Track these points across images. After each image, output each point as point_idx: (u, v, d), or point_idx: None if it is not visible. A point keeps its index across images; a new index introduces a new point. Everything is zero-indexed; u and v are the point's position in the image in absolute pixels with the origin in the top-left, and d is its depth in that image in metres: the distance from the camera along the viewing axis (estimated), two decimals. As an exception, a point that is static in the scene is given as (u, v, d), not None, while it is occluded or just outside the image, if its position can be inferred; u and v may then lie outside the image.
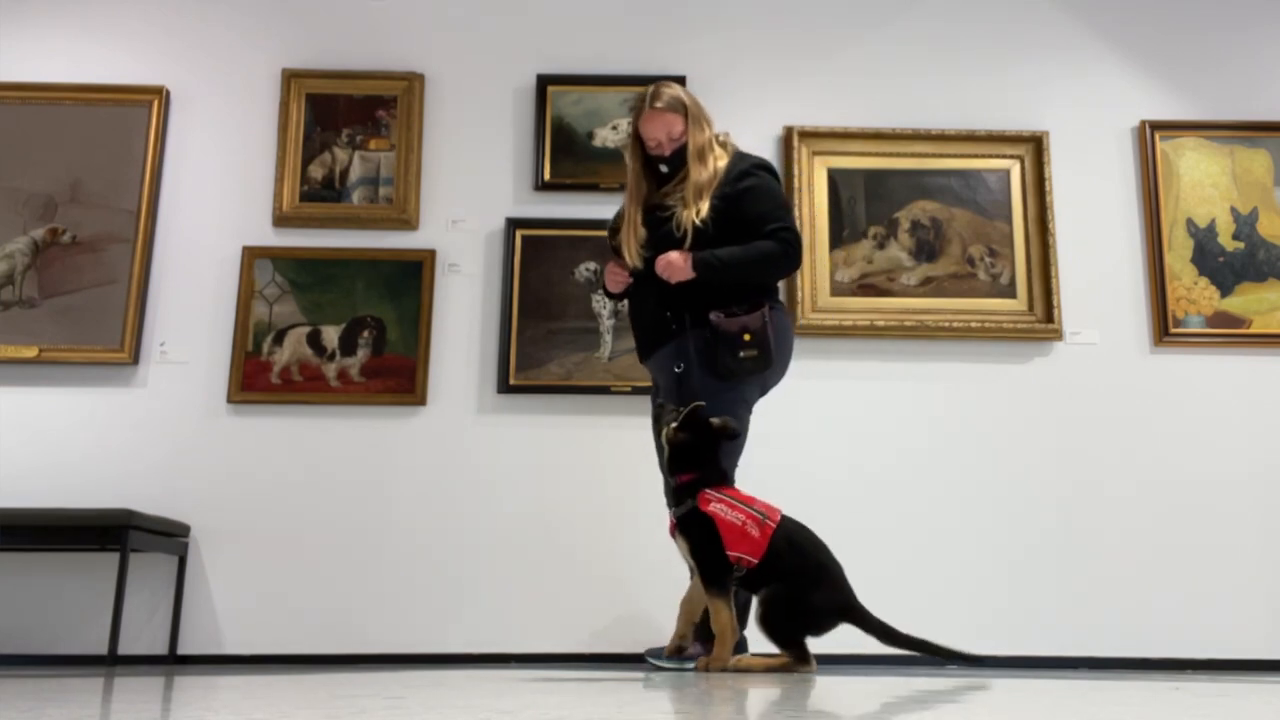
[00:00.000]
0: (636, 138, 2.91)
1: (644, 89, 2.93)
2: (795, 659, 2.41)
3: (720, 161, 2.86)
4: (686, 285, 2.76)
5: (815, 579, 2.44)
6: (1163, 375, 3.89)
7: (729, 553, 2.40)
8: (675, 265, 2.75)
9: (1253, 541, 3.75)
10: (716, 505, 2.44)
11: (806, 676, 2.26)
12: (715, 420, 2.54)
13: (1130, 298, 3.96)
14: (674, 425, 2.53)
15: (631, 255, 2.84)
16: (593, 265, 3.88)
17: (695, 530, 2.44)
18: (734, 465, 2.77)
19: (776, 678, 2.23)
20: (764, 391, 2.86)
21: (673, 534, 2.53)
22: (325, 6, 4.18)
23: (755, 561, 2.40)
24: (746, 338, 2.71)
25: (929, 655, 2.45)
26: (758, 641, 2.58)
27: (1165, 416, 3.85)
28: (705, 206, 2.77)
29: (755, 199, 2.80)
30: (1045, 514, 3.76)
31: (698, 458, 2.52)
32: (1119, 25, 4.19)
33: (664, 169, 2.89)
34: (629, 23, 4.17)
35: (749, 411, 2.82)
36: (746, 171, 2.83)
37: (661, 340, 2.83)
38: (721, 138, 2.92)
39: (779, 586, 2.41)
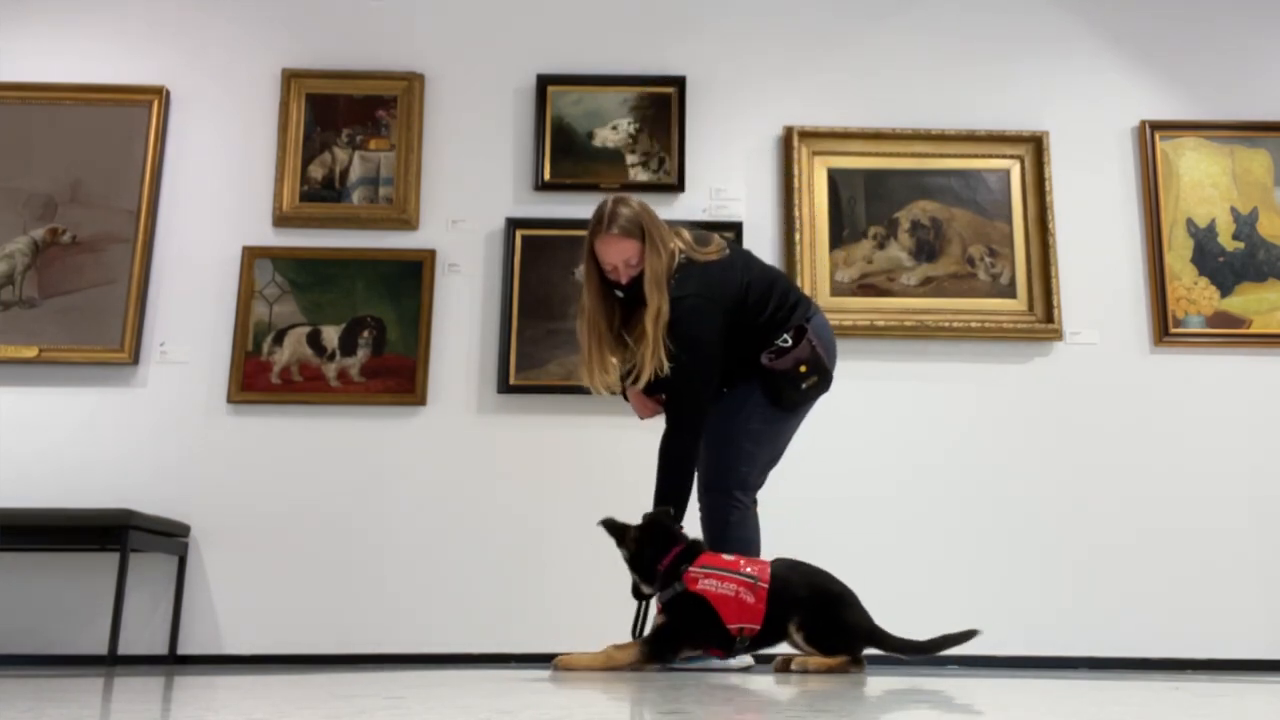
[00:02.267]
0: (592, 256, 2.72)
1: (600, 205, 2.71)
2: (851, 661, 2.40)
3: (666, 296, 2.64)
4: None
5: (844, 600, 2.43)
6: (1163, 375, 3.89)
7: (730, 626, 2.36)
8: None
9: (1252, 541, 3.75)
10: (705, 583, 2.39)
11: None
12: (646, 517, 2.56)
13: (1130, 298, 3.96)
14: (627, 553, 2.53)
15: (598, 388, 2.74)
16: (593, 265, 3.88)
17: (687, 612, 2.38)
18: (764, 480, 2.82)
19: (787, 678, 2.23)
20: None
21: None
22: (325, 6, 4.18)
23: (758, 628, 2.37)
24: (803, 369, 2.70)
25: (952, 646, 2.43)
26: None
27: (1165, 416, 3.85)
28: (662, 350, 2.60)
29: (673, 367, 2.62)
30: (1045, 514, 3.76)
31: (661, 545, 2.49)
32: (1119, 25, 4.19)
33: (620, 294, 2.73)
34: (629, 23, 4.17)
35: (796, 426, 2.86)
36: (671, 328, 2.62)
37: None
38: (670, 246, 2.69)
39: (811, 610, 2.38)
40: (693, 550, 2.48)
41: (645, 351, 2.61)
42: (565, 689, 1.74)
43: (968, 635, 2.44)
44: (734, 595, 2.36)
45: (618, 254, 2.66)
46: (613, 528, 2.57)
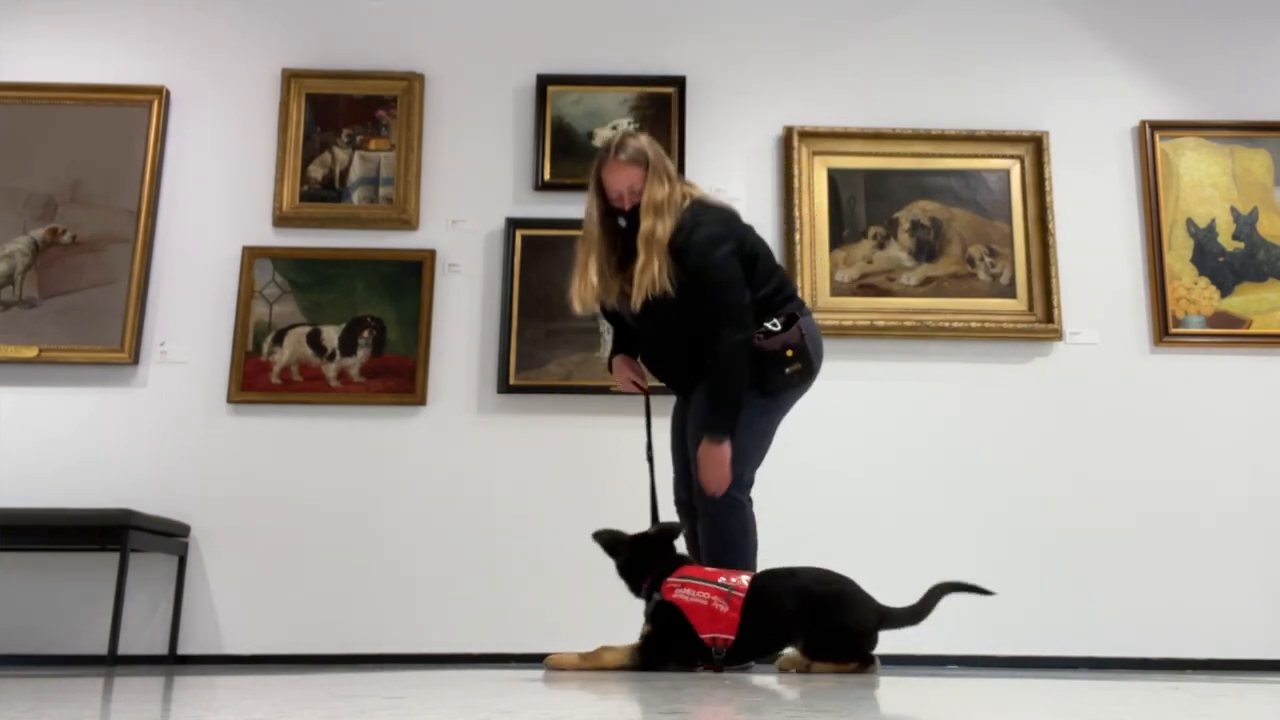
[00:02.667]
0: (598, 186, 2.79)
1: (610, 135, 2.77)
2: (862, 663, 2.38)
3: (670, 221, 2.70)
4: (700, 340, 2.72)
5: (841, 601, 2.40)
6: (1163, 375, 3.89)
7: (703, 636, 2.35)
8: (719, 471, 2.66)
9: (1252, 541, 3.75)
10: (680, 591, 2.40)
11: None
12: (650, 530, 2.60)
13: (1130, 298, 3.96)
14: (621, 561, 2.56)
15: (574, 302, 2.80)
16: (593, 265, 3.88)
17: (663, 621, 2.40)
18: (753, 478, 2.80)
19: (789, 677, 2.23)
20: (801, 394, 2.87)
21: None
22: (325, 6, 4.18)
23: (732, 639, 2.34)
24: (789, 354, 2.72)
25: (947, 593, 2.43)
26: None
27: (1165, 416, 3.85)
28: (661, 271, 2.63)
29: (696, 297, 2.66)
30: (1045, 513, 3.76)
31: (647, 559, 2.52)
32: (1119, 25, 4.19)
33: (623, 223, 2.76)
34: (629, 23, 4.17)
35: (779, 421, 2.86)
36: (687, 248, 2.65)
37: (694, 381, 2.81)
38: (676, 185, 2.77)
39: (809, 625, 2.35)
40: (676, 563, 2.51)
41: (637, 269, 2.65)
42: (564, 689, 1.74)
43: (965, 587, 2.44)
44: (707, 604, 2.36)
45: (623, 180, 2.73)
46: (606, 541, 2.60)
